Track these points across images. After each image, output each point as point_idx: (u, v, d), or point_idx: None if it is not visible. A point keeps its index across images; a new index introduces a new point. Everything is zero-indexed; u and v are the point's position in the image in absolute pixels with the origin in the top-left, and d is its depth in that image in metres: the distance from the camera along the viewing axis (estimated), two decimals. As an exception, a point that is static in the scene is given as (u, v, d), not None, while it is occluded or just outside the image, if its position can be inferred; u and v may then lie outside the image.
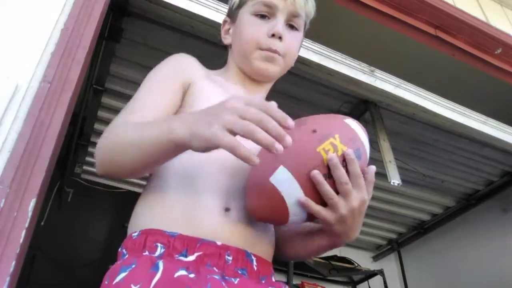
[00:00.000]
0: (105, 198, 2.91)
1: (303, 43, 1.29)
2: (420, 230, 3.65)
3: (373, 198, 2.99)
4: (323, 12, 0.97)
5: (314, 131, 0.64)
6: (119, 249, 0.71)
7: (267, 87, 0.93)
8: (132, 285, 0.59)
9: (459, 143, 2.59)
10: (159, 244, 0.65)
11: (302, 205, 0.62)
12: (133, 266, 0.62)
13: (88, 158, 2.76)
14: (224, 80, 0.89)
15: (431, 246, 3.58)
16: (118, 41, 1.90)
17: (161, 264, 0.62)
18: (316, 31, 1.14)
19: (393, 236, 3.81)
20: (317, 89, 2.15)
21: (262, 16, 0.85)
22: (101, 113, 2.44)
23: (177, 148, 0.60)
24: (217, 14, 1.55)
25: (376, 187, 1.83)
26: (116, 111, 2.27)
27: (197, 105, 0.77)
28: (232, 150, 0.51)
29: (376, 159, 2.29)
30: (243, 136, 0.51)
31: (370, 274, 3.37)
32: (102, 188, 2.89)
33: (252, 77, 0.89)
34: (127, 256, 0.67)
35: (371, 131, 2.17)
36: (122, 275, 0.62)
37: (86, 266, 2.63)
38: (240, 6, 0.90)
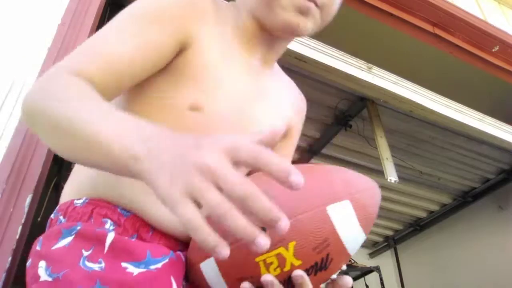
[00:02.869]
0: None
1: (299, 39, 1.27)
2: (416, 227, 3.67)
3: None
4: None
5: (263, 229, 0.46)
6: (52, 216, 0.61)
7: (285, 45, 0.70)
8: (83, 251, 0.51)
9: (456, 141, 2.61)
10: (108, 220, 0.55)
11: None
12: (78, 227, 0.53)
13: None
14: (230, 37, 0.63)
15: (427, 243, 3.60)
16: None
17: (111, 228, 0.54)
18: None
19: (390, 233, 3.82)
20: (314, 85, 2.15)
21: None
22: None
23: (130, 174, 0.38)
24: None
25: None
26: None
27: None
28: (190, 232, 0.32)
29: (373, 156, 2.30)
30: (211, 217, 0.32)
31: (367, 271, 3.38)
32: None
33: (272, 32, 0.63)
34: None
35: (368, 128, 2.17)
36: (68, 239, 0.53)
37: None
38: None
